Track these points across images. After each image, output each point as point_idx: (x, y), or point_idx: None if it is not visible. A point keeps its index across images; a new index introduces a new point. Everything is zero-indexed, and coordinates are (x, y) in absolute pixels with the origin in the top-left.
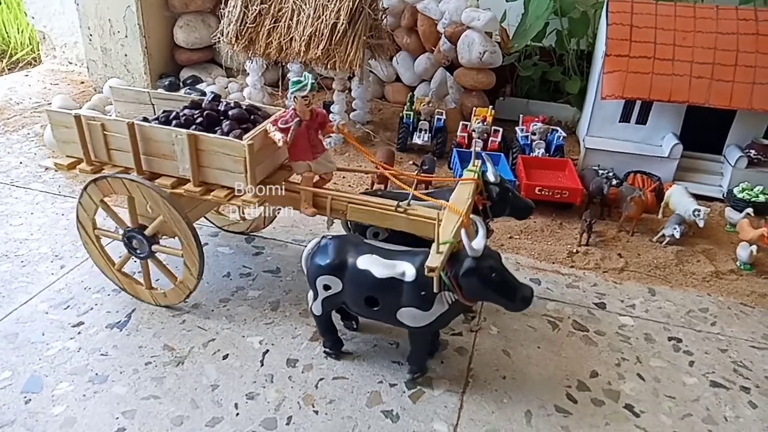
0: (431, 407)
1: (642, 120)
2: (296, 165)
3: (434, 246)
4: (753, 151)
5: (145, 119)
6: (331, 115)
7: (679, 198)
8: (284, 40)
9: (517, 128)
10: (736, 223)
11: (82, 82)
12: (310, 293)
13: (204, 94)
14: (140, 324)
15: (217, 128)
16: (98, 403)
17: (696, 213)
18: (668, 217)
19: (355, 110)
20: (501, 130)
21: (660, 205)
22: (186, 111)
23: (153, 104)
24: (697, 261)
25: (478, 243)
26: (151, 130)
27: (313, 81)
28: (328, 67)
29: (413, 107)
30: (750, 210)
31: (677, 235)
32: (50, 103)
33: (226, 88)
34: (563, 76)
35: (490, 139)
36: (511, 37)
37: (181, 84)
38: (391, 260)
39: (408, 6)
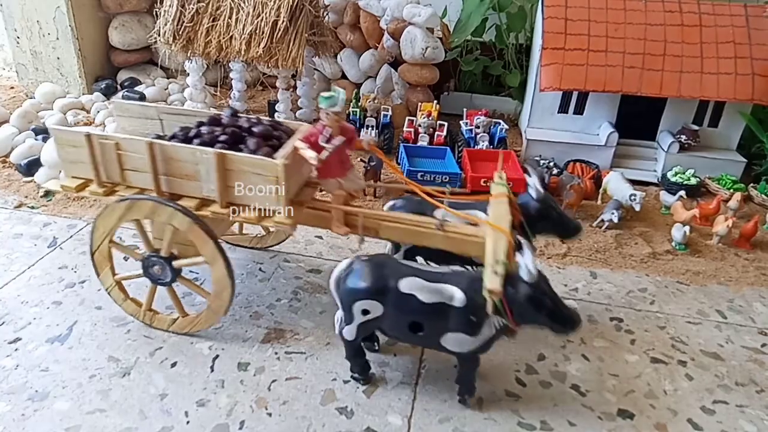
0: (385, 400)
1: (579, 110)
2: (326, 183)
3: (489, 266)
4: (684, 137)
5: (159, 137)
6: (277, 113)
7: (616, 184)
8: (224, 38)
9: (461, 122)
10: (671, 205)
11: (12, 87)
12: (340, 316)
13: (143, 96)
14: (83, 336)
15: (241, 146)
16: (39, 421)
17: (632, 198)
18: (606, 202)
19: (301, 108)
20: (446, 124)
21: (598, 192)
22: (204, 128)
23: (161, 119)
24: (635, 243)
25: (533, 266)
26: (173, 149)
27: (344, 96)
28: (271, 65)
29: (359, 104)
30: (683, 192)
31: (615, 220)
32: None
33: (166, 89)
34: (504, 70)
35: (436, 133)
36: (451, 33)
37: (118, 87)
38: (436, 283)
39: (350, 3)
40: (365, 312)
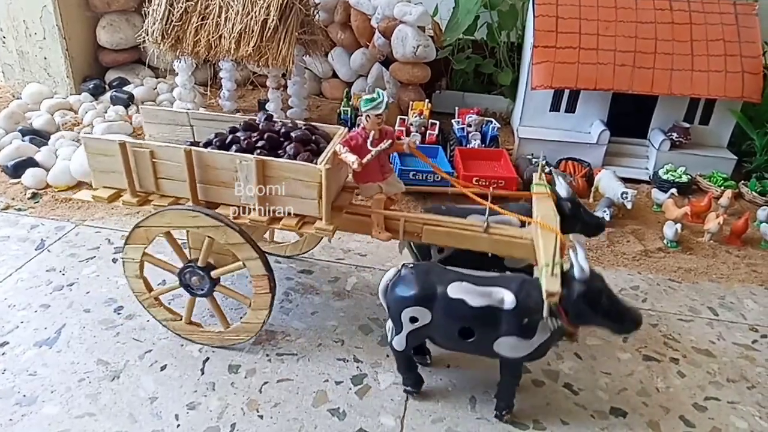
0: (378, 401)
1: (571, 108)
2: (365, 187)
3: (545, 268)
4: (675, 134)
5: (193, 143)
6: (266, 110)
7: (608, 182)
8: (213, 37)
9: (453, 121)
10: (662, 203)
11: None
12: (390, 326)
13: (132, 96)
14: (71, 340)
15: (280, 151)
16: (27, 426)
17: (624, 195)
18: (599, 200)
19: (291, 108)
20: (438, 123)
21: (591, 190)
22: (240, 134)
23: (192, 126)
24: (627, 241)
25: (585, 263)
26: (211, 157)
27: (388, 99)
28: (261, 64)
29: (351, 103)
30: (674, 190)
31: (608, 218)
32: None
33: (155, 89)
34: (496, 68)
35: (428, 132)
36: (443, 31)
37: (107, 87)
38: (485, 287)
39: (341, 1)
40: (414, 320)
